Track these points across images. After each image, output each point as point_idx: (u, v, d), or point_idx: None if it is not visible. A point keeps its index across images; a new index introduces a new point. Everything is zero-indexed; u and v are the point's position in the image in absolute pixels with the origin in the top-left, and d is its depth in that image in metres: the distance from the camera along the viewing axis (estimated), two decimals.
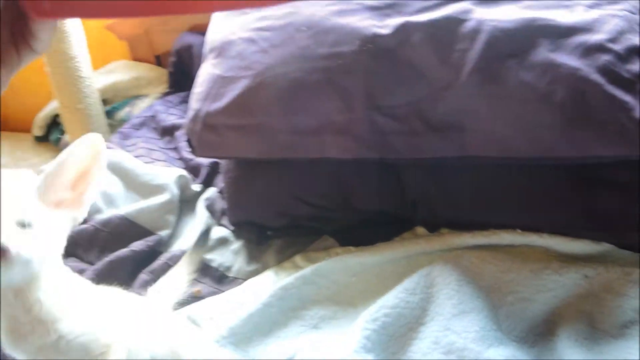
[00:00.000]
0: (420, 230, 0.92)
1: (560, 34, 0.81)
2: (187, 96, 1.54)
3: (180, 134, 1.30)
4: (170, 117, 1.40)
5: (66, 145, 1.81)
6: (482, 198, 0.88)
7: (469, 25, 0.84)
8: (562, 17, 0.83)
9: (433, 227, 0.91)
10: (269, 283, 0.87)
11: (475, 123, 0.82)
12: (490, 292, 0.80)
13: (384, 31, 0.87)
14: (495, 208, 0.87)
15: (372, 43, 0.86)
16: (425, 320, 0.75)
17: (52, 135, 1.93)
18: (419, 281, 0.81)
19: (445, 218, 0.90)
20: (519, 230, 0.85)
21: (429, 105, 0.83)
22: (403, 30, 0.86)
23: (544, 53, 0.80)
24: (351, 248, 0.89)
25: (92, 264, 1.02)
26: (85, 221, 1.09)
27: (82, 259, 1.03)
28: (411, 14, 0.88)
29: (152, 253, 1.03)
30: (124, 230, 1.06)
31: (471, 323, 0.74)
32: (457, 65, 0.82)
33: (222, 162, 1.08)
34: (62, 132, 1.84)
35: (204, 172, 1.17)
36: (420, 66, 0.84)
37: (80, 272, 0.99)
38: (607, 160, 0.80)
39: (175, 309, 0.89)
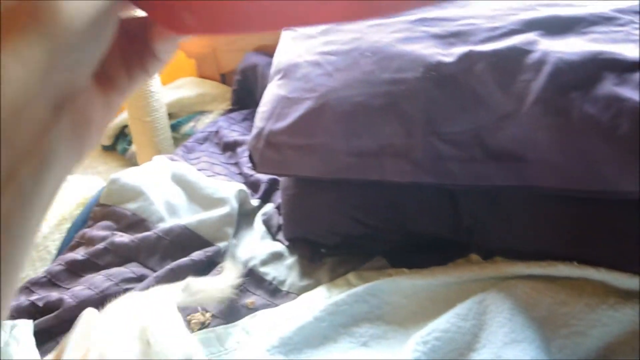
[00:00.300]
0: (474, 257, 0.92)
1: (625, 68, 0.81)
2: (250, 114, 1.61)
3: (241, 150, 1.35)
4: (232, 134, 1.45)
5: (132, 155, 1.89)
6: (539, 228, 0.87)
7: (533, 56, 0.85)
8: (629, 51, 0.83)
9: (487, 255, 0.91)
10: (321, 298, 0.89)
11: (536, 153, 0.82)
12: (544, 324, 0.79)
13: (448, 59, 0.88)
14: (551, 239, 0.87)
15: (435, 70, 0.88)
16: (476, 346, 0.75)
17: (119, 145, 2.02)
18: (471, 307, 0.81)
19: (499, 246, 0.90)
20: (576, 263, 0.83)
21: (489, 133, 0.84)
22: (467, 58, 0.87)
23: (608, 86, 0.80)
24: (404, 270, 0.90)
25: (153, 270, 1.06)
26: (148, 229, 1.15)
27: (144, 265, 1.08)
28: (476, 43, 0.89)
29: (210, 263, 1.07)
30: (185, 239, 1.11)
31: (523, 352, 0.73)
32: (520, 95, 0.83)
33: (281, 179, 1.11)
34: (129, 143, 1.92)
35: (262, 188, 1.20)
36: (482, 94, 0.85)
37: (142, 277, 1.04)
38: None
39: (229, 320, 0.92)
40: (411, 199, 0.94)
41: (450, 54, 0.89)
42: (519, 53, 0.86)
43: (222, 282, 0.92)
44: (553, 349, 0.77)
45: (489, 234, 0.91)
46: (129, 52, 0.39)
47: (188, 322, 0.94)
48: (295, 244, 1.05)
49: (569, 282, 0.84)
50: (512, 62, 0.86)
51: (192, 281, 0.85)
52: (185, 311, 0.96)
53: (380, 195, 0.97)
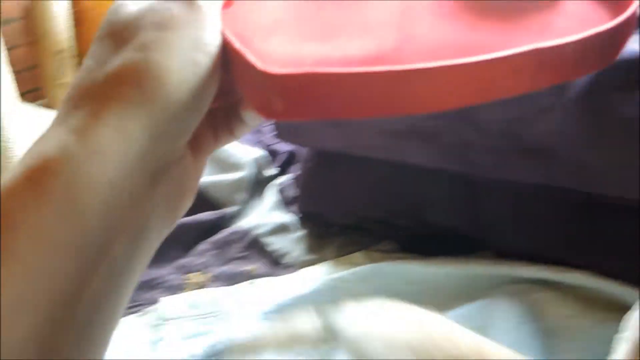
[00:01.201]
0: (489, 254, 0.88)
1: None
2: None
3: None
4: None
5: None
6: (559, 233, 0.83)
7: None
8: None
9: (501, 254, 0.87)
10: (323, 274, 0.86)
11: (568, 151, 0.79)
12: (550, 336, 0.76)
13: None
14: (573, 246, 0.82)
15: None
16: None
17: None
18: (477, 309, 0.78)
19: (517, 247, 0.86)
20: (593, 273, 0.79)
21: (524, 126, 0.80)
22: None
23: None
24: (414, 255, 0.87)
25: None
26: None
27: None
28: None
29: (216, 226, 1.04)
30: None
31: None
32: (561, 89, 0.79)
33: (302, 151, 1.09)
34: None
35: (282, 158, 1.18)
36: None
37: None
38: None
39: (229, 284, 0.89)
40: (433, 188, 0.91)
41: None
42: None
43: None
44: None
45: (506, 233, 0.87)
46: (217, 114, 0.37)
47: (186, 281, 0.92)
48: (308, 218, 1.02)
49: (581, 294, 0.80)
50: None
51: None
52: (184, 269, 0.94)
53: (402, 180, 0.94)
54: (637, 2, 0.37)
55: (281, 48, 0.34)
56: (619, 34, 0.34)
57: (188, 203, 0.36)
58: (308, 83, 0.29)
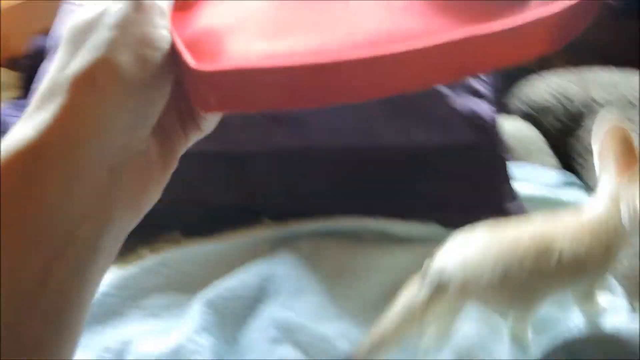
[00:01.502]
0: (267, 221, 0.94)
1: None
2: None
3: None
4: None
5: None
6: (322, 188, 0.92)
7: None
8: None
9: (278, 218, 0.94)
10: (110, 274, 0.85)
11: (317, 117, 0.87)
12: (330, 275, 0.84)
13: None
14: (335, 198, 0.92)
15: None
16: (262, 299, 0.78)
17: None
18: (258, 264, 0.83)
19: (289, 209, 0.93)
20: (356, 216, 0.90)
21: None
22: None
23: None
24: (196, 238, 0.90)
25: None
26: None
27: None
28: None
29: None
30: None
31: (307, 302, 0.77)
32: None
33: None
34: None
35: None
36: None
37: None
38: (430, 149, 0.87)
39: None
40: (199, 169, 0.93)
41: None
42: None
43: None
44: (338, 297, 0.81)
45: (279, 198, 0.94)
46: (182, 109, 0.38)
47: None
48: None
49: (352, 235, 0.89)
50: None
51: None
52: None
53: (180, 169, 0.94)
54: None
55: (236, 46, 0.36)
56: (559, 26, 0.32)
57: (154, 197, 0.37)
58: (233, 78, 0.31)
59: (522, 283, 0.64)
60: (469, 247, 0.66)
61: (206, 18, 0.40)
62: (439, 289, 0.65)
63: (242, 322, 0.76)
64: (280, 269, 0.81)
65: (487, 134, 0.87)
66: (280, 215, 0.95)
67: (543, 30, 0.31)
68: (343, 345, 0.73)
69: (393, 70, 0.30)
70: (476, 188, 0.90)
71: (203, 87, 0.31)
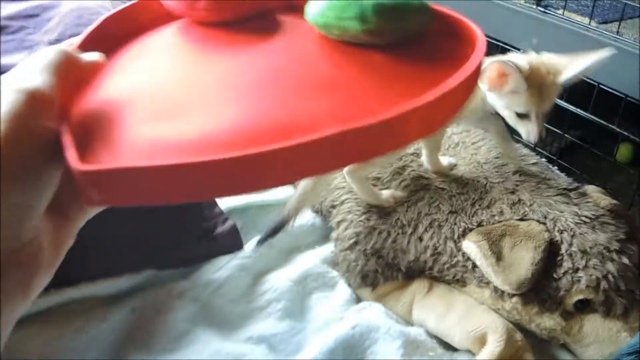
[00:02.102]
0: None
1: None
2: None
3: None
4: None
5: None
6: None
7: None
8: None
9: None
10: None
11: None
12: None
13: None
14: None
15: None
16: None
17: None
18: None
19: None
20: (54, 290, 0.90)
21: None
22: None
23: None
24: None
25: None
26: None
27: None
28: None
29: None
30: None
31: None
32: None
33: None
34: None
35: None
36: None
37: None
38: None
39: None
40: None
41: None
42: None
43: None
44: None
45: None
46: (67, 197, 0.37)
47: None
48: None
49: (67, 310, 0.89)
50: None
51: None
52: None
53: None
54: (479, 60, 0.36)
55: (125, 131, 0.35)
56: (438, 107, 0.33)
57: (45, 279, 0.35)
58: (112, 177, 0.30)
59: None
60: None
61: (102, 93, 0.40)
62: None
63: None
64: None
65: None
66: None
67: (417, 120, 0.32)
68: None
69: (264, 167, 0.30)
70: None
71: (84, 184, 0.31)
